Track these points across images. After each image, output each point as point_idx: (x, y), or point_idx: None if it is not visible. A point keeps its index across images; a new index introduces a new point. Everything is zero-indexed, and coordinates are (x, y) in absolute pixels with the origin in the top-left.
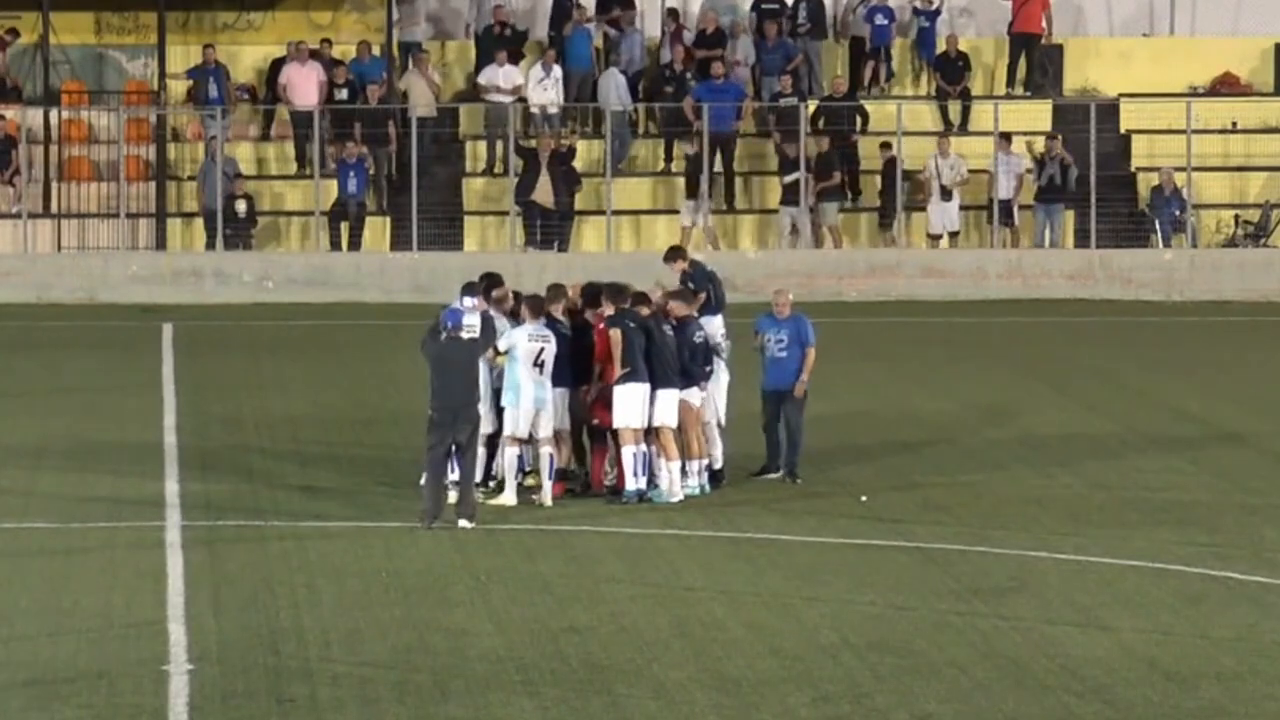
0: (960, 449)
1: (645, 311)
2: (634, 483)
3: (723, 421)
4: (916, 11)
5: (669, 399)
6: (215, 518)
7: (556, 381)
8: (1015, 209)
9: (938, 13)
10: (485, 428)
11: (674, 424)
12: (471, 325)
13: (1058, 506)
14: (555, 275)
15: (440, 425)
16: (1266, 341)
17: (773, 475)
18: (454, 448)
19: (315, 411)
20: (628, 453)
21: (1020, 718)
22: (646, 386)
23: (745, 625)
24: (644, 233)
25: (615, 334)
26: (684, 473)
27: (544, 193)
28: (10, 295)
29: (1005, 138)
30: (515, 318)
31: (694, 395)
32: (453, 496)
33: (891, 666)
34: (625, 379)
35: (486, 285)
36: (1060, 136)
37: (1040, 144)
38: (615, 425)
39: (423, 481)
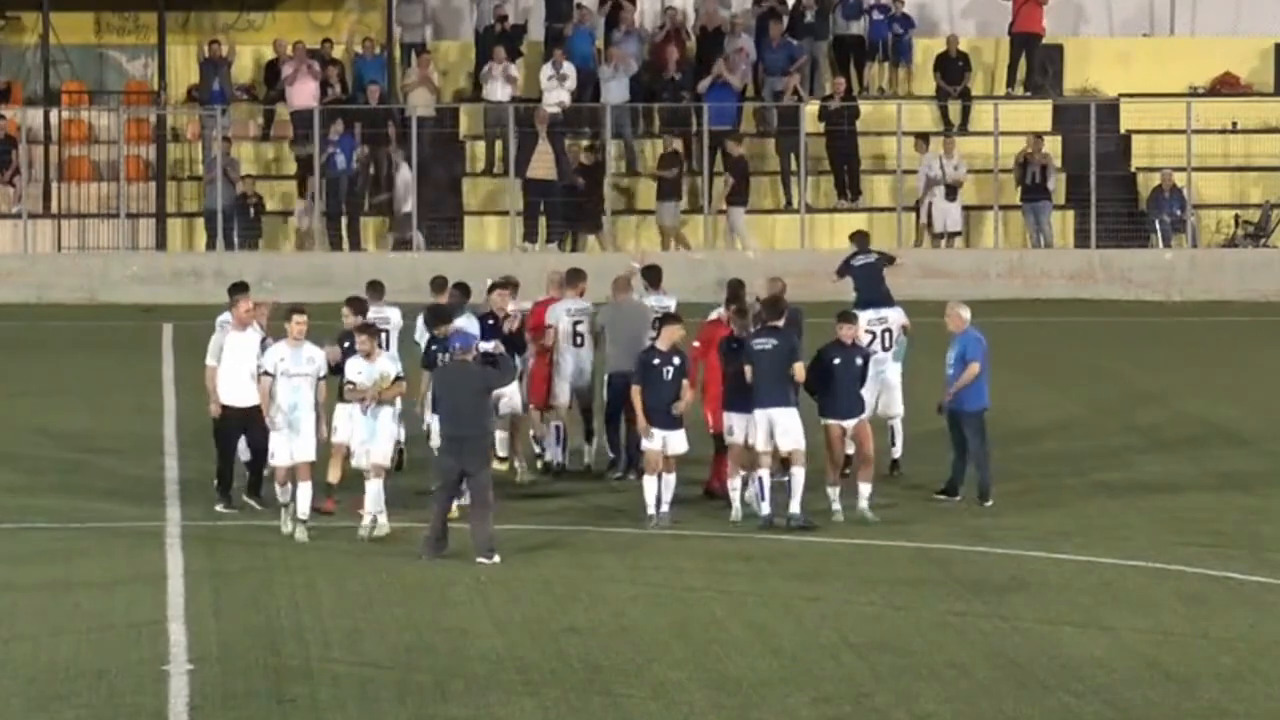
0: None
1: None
2: (795, 505)
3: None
4: (891, 19)
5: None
6: (215, 518)
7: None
8: (931, 209)
9: (910, 22)
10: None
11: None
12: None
13: (1058, 506)
14: None
15: (446, 453)
16: (1266, 341)
17: (947, 498)
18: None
19: None
20: (799, 474)
21: (1020, 718)
22: (792, 410)
23: (745, 625)
24: (644, 232)
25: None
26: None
27: (544, 164)
28: (10, 295)
29: (923, 139)
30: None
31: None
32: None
33: (891, 666)
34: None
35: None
36: (1043, 138)
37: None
38: (786, 448)
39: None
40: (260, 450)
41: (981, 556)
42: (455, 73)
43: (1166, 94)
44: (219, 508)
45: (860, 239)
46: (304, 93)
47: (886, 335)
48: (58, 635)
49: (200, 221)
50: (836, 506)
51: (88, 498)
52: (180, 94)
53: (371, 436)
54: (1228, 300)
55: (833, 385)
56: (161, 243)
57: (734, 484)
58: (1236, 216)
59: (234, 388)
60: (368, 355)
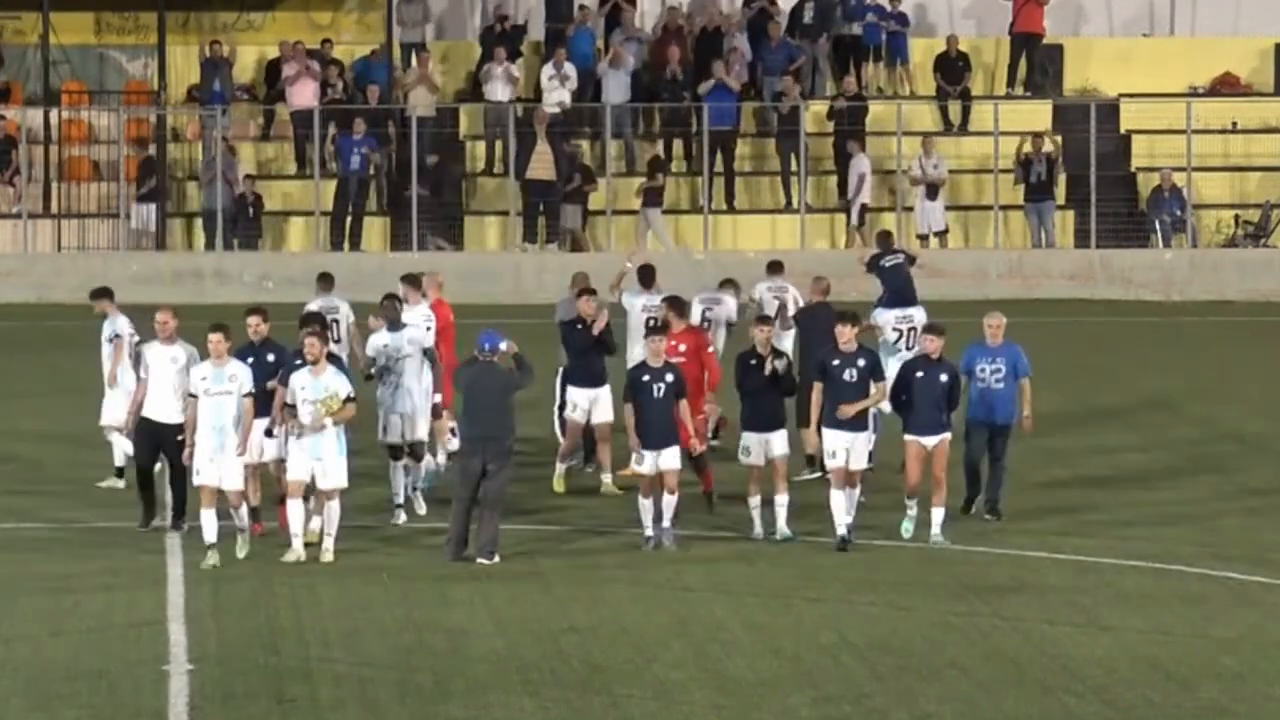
0: (959, 449)
1: (843, 344)
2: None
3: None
4: (884, 15)
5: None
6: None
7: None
8: (864, 210)
9: (905, 20)
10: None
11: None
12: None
13: (1058, 507)
14: (555, 275)
15: (467, 454)
16: (1266, 341)
17: (992, 517)
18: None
19: None
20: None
21: (1020, 718)
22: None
23: (745, 625)
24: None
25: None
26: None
27: (543, 165)
28: (10, 295)
29: (859, 140)
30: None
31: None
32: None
33: (891, 666)
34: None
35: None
36: (1044, 135)
37: (1028, 143)
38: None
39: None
40: (179, 470)
41: (982, 556)
42: (455, 73)
43: (1166, 94)
44: (139, 527)
45: (885, 239)
46: (304, 93)
47: (912, 334)
48: (58, 635)
49: (200, 221)
50: (908, 527)
51: (88, 498)
52: (180, 94)
53: (319, 457)
54: (1228, 300)
55: (912, 401)
56: (161, 243)
57: (753, 502)
58: (1236, 216)
59: (153, 402)
60: (314, 362)
